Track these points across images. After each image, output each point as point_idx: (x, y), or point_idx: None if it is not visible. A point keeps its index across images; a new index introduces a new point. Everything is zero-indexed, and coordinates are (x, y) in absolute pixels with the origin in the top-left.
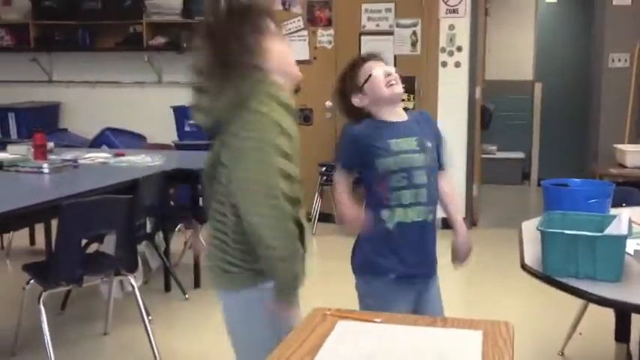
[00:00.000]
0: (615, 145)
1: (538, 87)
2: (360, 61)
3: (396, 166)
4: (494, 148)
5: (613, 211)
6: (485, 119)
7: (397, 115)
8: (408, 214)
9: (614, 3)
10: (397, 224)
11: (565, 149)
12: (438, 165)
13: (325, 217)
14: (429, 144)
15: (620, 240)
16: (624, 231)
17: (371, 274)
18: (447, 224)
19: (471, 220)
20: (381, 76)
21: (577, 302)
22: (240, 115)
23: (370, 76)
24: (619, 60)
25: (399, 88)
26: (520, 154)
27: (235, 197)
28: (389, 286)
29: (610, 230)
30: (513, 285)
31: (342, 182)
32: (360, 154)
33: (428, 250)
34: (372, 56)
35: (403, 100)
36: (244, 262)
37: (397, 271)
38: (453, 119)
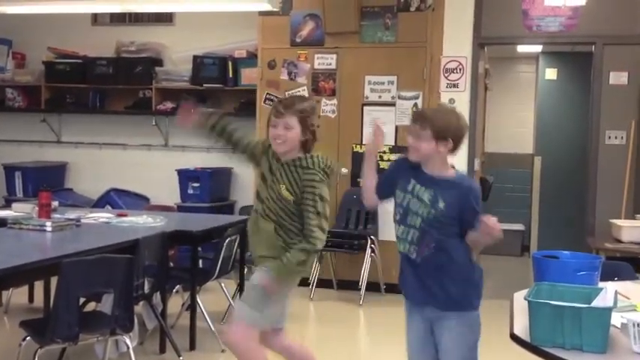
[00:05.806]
0: (611, 220)
1: (538, 161)
2: None
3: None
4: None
5: (602, 285)
6: (484, 191)
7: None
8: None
9: (611, 82)
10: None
11: (564, 222)
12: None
13: (323, 283)
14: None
15: (606, 312)
16: (610, 303)
17: None
18: None
19: None
20: None
21: None
22: None
23: None
24: (615, 137)
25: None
26: (520, 226)
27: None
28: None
29: (596, 302)
30: (505, 356)
31: None
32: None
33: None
34: None
35: None
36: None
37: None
38: None
